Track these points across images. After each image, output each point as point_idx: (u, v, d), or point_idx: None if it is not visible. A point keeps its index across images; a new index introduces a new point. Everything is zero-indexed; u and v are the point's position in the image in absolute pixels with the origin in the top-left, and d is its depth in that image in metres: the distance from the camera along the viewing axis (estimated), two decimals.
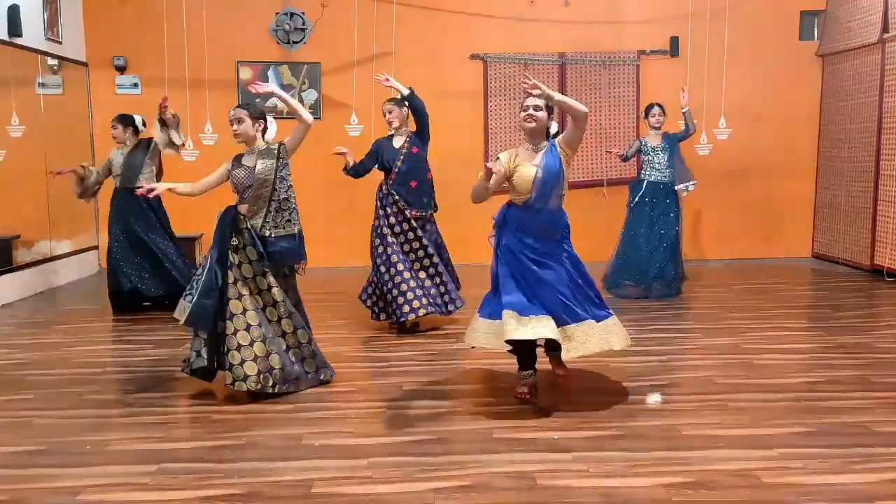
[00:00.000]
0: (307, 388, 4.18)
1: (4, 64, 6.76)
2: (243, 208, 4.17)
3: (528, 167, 3.91)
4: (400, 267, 5.33)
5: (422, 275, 5.46)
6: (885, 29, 7.33)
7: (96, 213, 8.26)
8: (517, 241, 3.94)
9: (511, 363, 4.68)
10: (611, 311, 4.12)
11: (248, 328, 4.02)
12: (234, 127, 4.18)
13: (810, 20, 8.48)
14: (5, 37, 6.65)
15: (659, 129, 6.63)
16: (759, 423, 3.64)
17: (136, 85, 8.13)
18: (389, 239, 5.39)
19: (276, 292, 4.13)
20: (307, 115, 4.22)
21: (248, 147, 4.25)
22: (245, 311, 4.04)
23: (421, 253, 5.48)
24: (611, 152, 7.03)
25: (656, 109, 6.64)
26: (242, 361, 3.96)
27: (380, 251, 5.42)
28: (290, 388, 4.12)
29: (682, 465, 3.16)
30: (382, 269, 5.39)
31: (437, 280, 5.53)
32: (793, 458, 3.22)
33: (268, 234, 4.11)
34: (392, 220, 5.42)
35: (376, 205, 5.51)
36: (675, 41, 8.25)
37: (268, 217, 4.13)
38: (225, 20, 7.98)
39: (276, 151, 4.20)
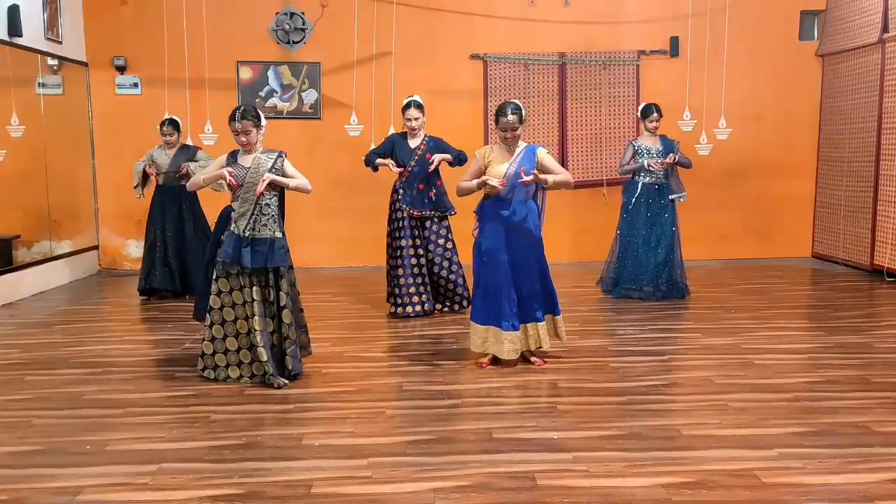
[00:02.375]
0: (279, 385, 4.20)
1: (4, 64, 6.76)
2: (235, 205, 4.29)
3: (502, 165, 4.45)
4: (403, 262, 5.80)
5: (416, 274, 5.86)
6: (884, 29, 7.33)
7: (96, 214, 8.27)
8: (494, 237, 4.46)
9: (510, 363, 4.69)
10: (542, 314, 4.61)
11: (223, 323, 4.32)
12: (242, 138, 4.23)
13: (810, 20, 8.48)
14: (5, 37, 6.65)
15: (654, 131, 6.49)
16: (759, 423, 3.64)
17: (136, 85, 8.13)
18: (397, 234, 5.82)
19: (254, 291, 4.24)
20: (308, 186, 4.40)
21: (247, 151, 4.32)
22: (223, 307, 4.31)
23: (419, 251, 5.85)
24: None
25: (655, 115, 6.45)
26: (214, 353, 4.35)
27: (390, 243, 5.91)
28: (257, 381, 4.31)
29: (682, 465, 3.17)
30: (391, 261, 5.92)
31: (435, 280, 5.93)
32: (792, 458, 3.22)
33: (246, 234, 4.20)
34: (398, 214, 5.83)
35: (391, 197, 5.91)
36: (674, 41, 8.24)
37: (250, 220, 4.21)
38: (225, 20, 7.97)
39: (273, 160, 4.28)
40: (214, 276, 4.30)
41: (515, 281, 4.49)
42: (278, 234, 4.28)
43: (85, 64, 8.07)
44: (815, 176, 8.63)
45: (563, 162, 8.29)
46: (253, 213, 4.21)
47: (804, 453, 3.27)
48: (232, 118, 4.23)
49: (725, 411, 3.80)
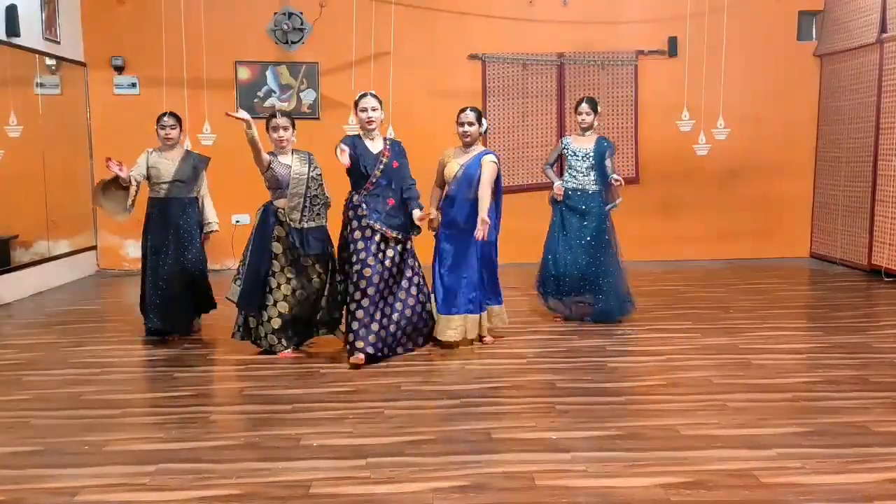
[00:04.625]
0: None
1: (2, 64, 6.75)
2: (281, 202, 4.71)
3: (455, 164, 4.90)
4: (367, 292, 4.61)
5: (380, 308, 4.70)
6: (882, 29, 7.34)
7: (94, 214, 8.25)
8: (444, 231, 4.95)
9: (509, 363, 4.69)
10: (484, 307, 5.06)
11: (286, 300, 4.78)
12: (282, 133, 4.72)
13: (809, 20, 8.49)
14: (3, 37, 6.64)
15: (587, 130, 5.68)
16: (758, 423, 3.64)
17: (134, 85, 8.12)
18: (358, 256, 4.65)
19: (313, 270, 4.80)
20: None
21: (282, 149, 4.77)
22: (294, 290, 4.78)
23: (385, 275, 4.72)
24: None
25: (584, 106, 5.62)
26: (278, 329, 4.80)
27: (346, 269, 4.74)
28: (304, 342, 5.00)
29: (681, 465, 3.16)
30: (351, 287, 4.67)
31: (408, 311, 4.84)
32: (791, 458, 3.22)
33: (304, 226, 4.69)
34: (361, 233, 4.68)
35: (346, 216, 4.78)
36: (673, 41, 8.25)
37: (304, 212, 4.70)
38: (223, 20, 7.97)
39: (307, 159, 4.82)
40: (279, 268, 4.76)
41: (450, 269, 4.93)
42: (323, 223, 4.83)
43: (83, 64, 8.06)
44: (813, 176, 8.64)
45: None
46: (304, 205, 4.69)
47: (803, 453, 3.27)
48: (273, 116, 4.78)
49: (724, 411, 3.80)
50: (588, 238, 5.63)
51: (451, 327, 4.92)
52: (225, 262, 7.86)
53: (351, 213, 4.74)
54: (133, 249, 8.21)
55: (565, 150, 5.78)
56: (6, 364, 4.81)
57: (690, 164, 8.16)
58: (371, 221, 4.66)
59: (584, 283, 5.65)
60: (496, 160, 4.92)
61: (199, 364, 4.80)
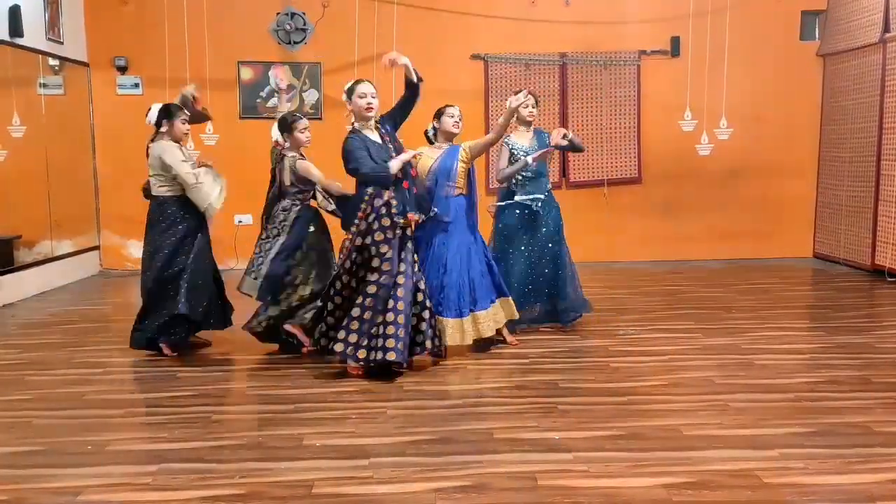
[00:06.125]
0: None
1: (6, 64, 6.77)
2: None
3: (428, 159, 4.82)
4: (396, 293, 4.27)
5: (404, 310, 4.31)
6: (885, 29, 7.33)
7: (97, 214, 8.27)
8: (419, 231, 4.62)
9: (512, 363, 4.69)
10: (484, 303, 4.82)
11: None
12: (308, 133, 4.98)
13: (811, 20, 8.48)
14: (6, 37, 6.65)
15: (531, 123, 5.33)
16: (760, 423, 3.64)
17: (137, 85, 8.13)
18: (384, 252, 4.29)
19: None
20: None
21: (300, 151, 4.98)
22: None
23: (411, 272, 4.39)
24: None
25: (530, 98, 5.18)
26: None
27: (371, 268, 4.31)
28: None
29: (683, 465, 3.16)
30: (372, 293, 4.27)
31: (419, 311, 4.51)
32: (793, 459, 3.22)
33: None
34: (380, 236, 4.31)
35: (373, 215, 4.33)
36: (675, 41, 8.25)
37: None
38: (226, 20, 7.98)
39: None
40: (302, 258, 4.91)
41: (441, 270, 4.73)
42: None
43: (86, 64, 8.08)
44: (815, 176, 8.62)
45: (563, 162, 8.30)
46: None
47: (805, 453, 3.27)
48: (298, 118, 4.97)
49: (726, 411, 3.80)
50: (549, 244, 5.30)
51: (449, 326, 4.66)
52: (227, 261, 7.85)
53: (384, 209, 4.30)
54: (135, 250, 8.23)
55: (514, 153, 5.24)
56: (9, 364, 4.82)
57: (692, 163, 8.16)
58: (400, 219, 4.29)
59: (545, 290, 5.35)
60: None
61: (202, 364, 4.81)
